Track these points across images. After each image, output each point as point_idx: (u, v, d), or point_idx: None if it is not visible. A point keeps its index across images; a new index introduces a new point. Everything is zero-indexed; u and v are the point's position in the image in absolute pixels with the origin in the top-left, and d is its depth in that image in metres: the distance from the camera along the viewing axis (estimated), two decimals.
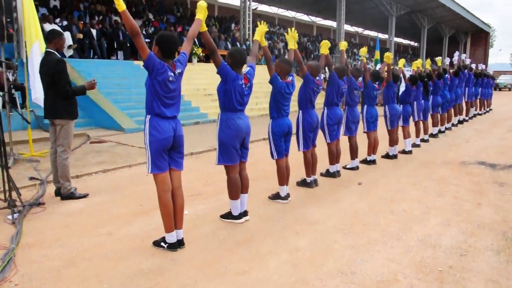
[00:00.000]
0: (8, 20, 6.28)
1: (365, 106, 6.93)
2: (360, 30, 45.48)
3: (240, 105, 4.11)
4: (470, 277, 3.25)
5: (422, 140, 9.28)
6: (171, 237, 3.61)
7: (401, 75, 8.52)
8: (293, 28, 5.24)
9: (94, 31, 13.82)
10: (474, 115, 14.68)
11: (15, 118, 9.76)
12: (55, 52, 4.89)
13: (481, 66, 15.63)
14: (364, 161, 7.09)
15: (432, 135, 9.99)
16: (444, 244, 3.87)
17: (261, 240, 3.88)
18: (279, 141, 4.81)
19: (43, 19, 12.94)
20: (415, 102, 8.52)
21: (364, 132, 7.06)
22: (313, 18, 39.21)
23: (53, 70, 4.75)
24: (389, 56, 7.32)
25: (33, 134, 8.56)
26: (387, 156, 7.62)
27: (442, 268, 3.40)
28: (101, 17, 16.80)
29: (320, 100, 6.31)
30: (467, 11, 40.56)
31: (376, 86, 6.90)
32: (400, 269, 3.36)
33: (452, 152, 8.35)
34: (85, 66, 11.70)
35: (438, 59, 10.68)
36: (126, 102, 10.99)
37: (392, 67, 7.51)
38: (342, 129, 6.37)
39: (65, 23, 13.81)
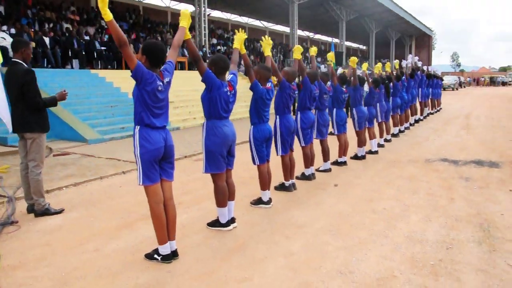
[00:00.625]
0: None
1: (335, 110, 7.09)
2: (311, 34, 46.45)
3: (225, 112, 4.09)
4: (461, 269, 3.40)
5: (385, 140, 9.60)
6: (165, 249, 3.53)
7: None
8: (267, 36, 5.30)
9: (47, 39, 13.29)
10: (428, 114, 15.36)
11: None
12: (22, 62, 4.66)
13: (432, 68, 16.39)
14: (335, 163, 7.24)
15: (393, 135, 10.35)
16: (429, 239, 4.03)
17: (254, 246, 3.87)
18: (261, 147, 4.83)
19: None
20: (377, 104, 8.80)
21: (334, 134, 7.21)
22: (265, 24, 39.66)
23: (21, 81, 4.52)
24: (354, 60, 7.54)
25: None
26: (356, 157, 7.82)
27: (433, 262, 3.53)
28: (51, 25, 16.17)
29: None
30: (411, 16, 42.59)
31: (344, 89, 7.08)
32: (395, 265, 3.47)
33: (415, 151, 8.70)
34: (40, 76, 11.00)
35: (396, 62, 11.12)
36: (86, 112, 10.63)
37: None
38: (314, 132, 6.48)
39: (13, 30, 13.20)
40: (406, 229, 4.30)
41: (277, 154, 5.51)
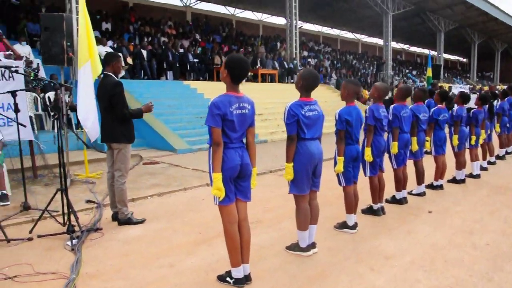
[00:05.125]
0: (68, 44, 6.33)
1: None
2: (406, 46, 44.45)
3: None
4: None
5: (489, 163, 8.65)
6: (238, 272, 3.33)
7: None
8: None
9: (144, 52, 14.06)
10: None
11: (70, 138, 9.94)
12: (113, 75, 4.81)
13: None
14: (430, 186, 6.60)
15: (498, 157, 9.30)
16: None
17: (335, 276, 3.54)
18: (347, 167, 4.48)
19: (100, 41, 13.32)
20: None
21: (432, 155, 6.59)
22: (358, 36, 38.70)
23: (111, 93, 4.67)
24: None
25: (88, 154, 8.64)
26: (454, 180, 7.08)
27: None
28: (149, 38, 17.14)
29: None
30: None
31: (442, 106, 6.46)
32: None
33: None
34: (137, 86, 11.85)
35: None
36: (177, 123, 10.97)
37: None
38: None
39: (114, 45, 14.15)
40: None
41: (365, 175, 5.11)
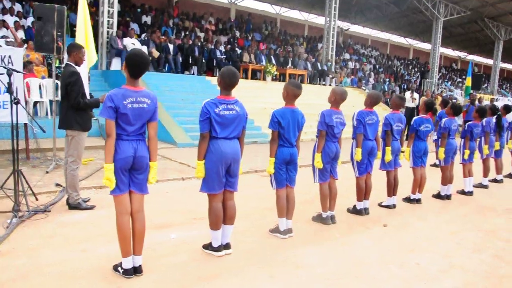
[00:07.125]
0: (59, 34, 6.65)
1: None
2: (463, 55, 42.18)
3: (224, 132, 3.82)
4: None
5: (495, 181, 8.11)
6: (127, 263, 3.40)
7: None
8: None
9: (171, 46, 14.38)
10: None
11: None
12: (73, 65, 5.01)
13: None
14: (407, 199, 6.31)
15: (511, 176, 8.69)
16: None
17: (227, 279, 3.51)
18: (279, 169, 4.40)
19: (127, 34, 13.85)
20: (482, 137, 7.47)
21: (410, 166, 6.30)
22: (410, 41, 37.23)
23: (66, 81, 4.86)
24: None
25: (93, 141, 9.01)
26: (438, 196, 6.71)
27: None
28: (187, 33, 17.45)
29: None
30: None
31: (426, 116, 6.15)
32: None
33: None
34: (156, 79, 12.18)
35: None
36: (186, 117, 11.13)
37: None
38: (378, 162, 5.76)
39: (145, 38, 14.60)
40: None
41: (314, 181, 4.99)
